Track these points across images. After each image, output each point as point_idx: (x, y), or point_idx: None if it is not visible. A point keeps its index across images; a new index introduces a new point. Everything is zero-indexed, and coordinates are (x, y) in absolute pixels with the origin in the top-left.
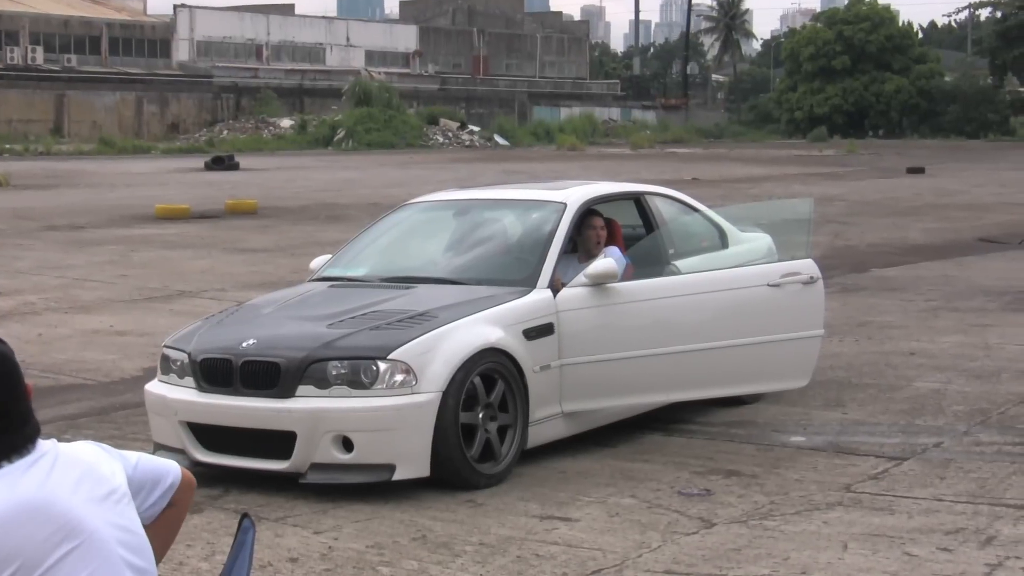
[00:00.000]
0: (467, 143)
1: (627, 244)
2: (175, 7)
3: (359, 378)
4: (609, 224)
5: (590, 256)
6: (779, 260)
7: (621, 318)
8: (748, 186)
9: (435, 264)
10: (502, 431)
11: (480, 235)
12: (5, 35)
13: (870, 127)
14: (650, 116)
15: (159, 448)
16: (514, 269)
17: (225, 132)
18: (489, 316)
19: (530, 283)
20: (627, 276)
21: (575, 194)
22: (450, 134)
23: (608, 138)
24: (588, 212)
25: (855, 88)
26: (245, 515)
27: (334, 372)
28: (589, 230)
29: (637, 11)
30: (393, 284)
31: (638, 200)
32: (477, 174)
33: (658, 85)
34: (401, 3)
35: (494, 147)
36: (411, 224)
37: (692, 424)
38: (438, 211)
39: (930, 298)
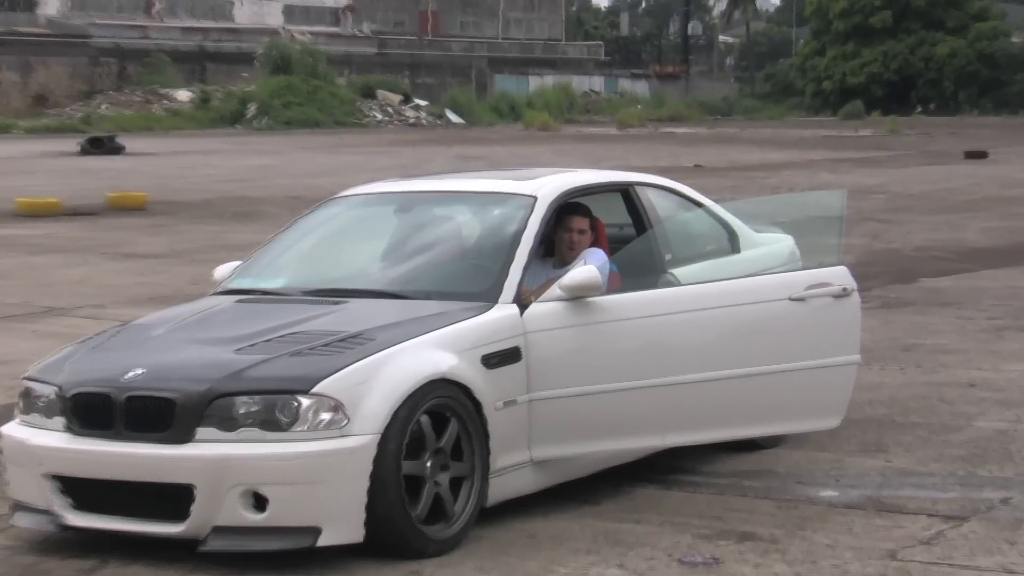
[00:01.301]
0: (412, 121)
1: (613, 248)
2: None
3: (275, 417)
4: (591, 224)
5: (566, 263)
6: (804, 267)
7: (605, 341)
8: (764, 175)
9: (371, 273)
10: (456, 484)
11: (428, 237)
12: None
13: (917, 100)
14: (641, 87)
15: (19, 508)
16: (471, 279)
17: (106, 107)
18: (439, 338)
19: (491, 297)
20: (613, 288)
21: (547, 185)
22: (390, 110)
23: (589, 115)
24: (564, 208)
25: (899, 52)
26: None
27: (243, 410)
28: (565, 231)
29: None
30: (318, 298)
31: (626, 193)
32: (424, 160)
33: (651, 49)
34: None
35: (446, 126)
36: (341, 223)
37: (695, 474)
38: (375, 207)
39: (994, 315)
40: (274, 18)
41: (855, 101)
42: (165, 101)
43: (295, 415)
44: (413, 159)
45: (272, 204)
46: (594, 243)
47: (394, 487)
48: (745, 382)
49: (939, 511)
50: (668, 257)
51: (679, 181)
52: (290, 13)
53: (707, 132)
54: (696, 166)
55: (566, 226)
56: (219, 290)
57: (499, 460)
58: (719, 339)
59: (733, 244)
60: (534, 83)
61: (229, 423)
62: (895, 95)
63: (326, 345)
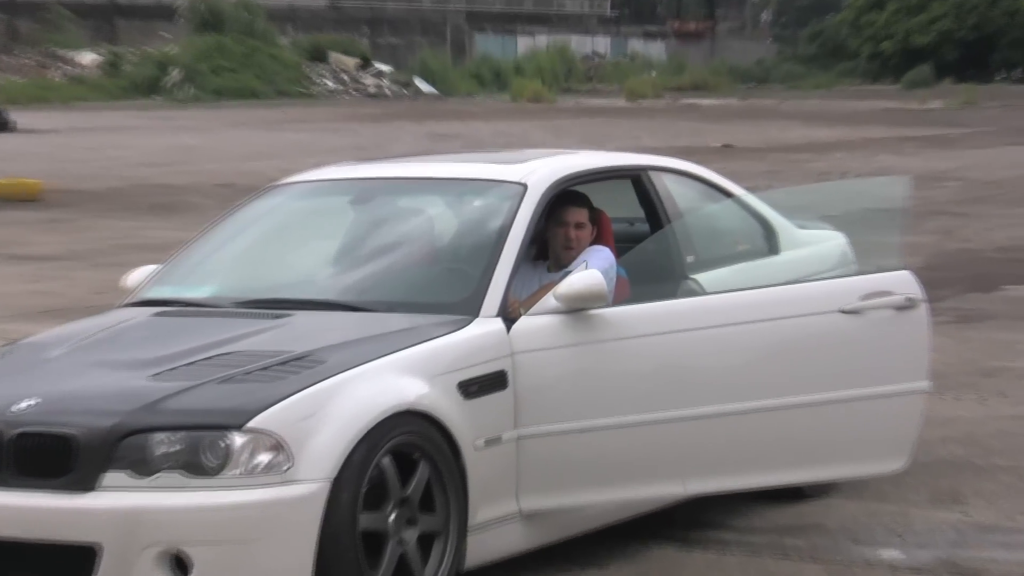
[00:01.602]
0: (372, 91)
1: (621, 247)
2: None
3: (200, 459)
4: (593, 217)
5: (563, 266)
6: (859, 272)
7: (612, 363)
8: (809, 158)
9: (321, 280)
10: (426, 542)
11: (391, 235)
12: None
13: (999, 65)
14: (657, 49)
15: None
16: (445, 287)
17: None
18: (405, 361)
19: (470, 309)
20: (621, 297)
21: (540, 170)
22: (345, 77)
23: (591, 84)
24: (561, 198)
25: (976, 4)
26: None
27: (161, 450)
28: (560, 225)
29: None
30: (255, 311)
31: (637, 180)
32: (388, 139)
33: (669, 1)
34: None
35: (414, 97)
36: (284, 218)
37: (725, 531)
38: (326, 197)
39: None
40: None
41: (921, 66)
42: (65, 66)
43: (225, 456)
44: (374, 138)
45: (198, 194)
46: (597, 241)
47: (349, 546)
48: (785, 415)
49: None
50: (690, 259)
51: (703, 165)
52: None
53: (738, 104)
54: (725, 147)
55: (561, 220)
56: (132, 301)
57: (480, 512)
58: (753, 361)
59: (770, 243)
60: (523, 44)
61: (143, 466)
62: (971, 58)
63: (265, 369)
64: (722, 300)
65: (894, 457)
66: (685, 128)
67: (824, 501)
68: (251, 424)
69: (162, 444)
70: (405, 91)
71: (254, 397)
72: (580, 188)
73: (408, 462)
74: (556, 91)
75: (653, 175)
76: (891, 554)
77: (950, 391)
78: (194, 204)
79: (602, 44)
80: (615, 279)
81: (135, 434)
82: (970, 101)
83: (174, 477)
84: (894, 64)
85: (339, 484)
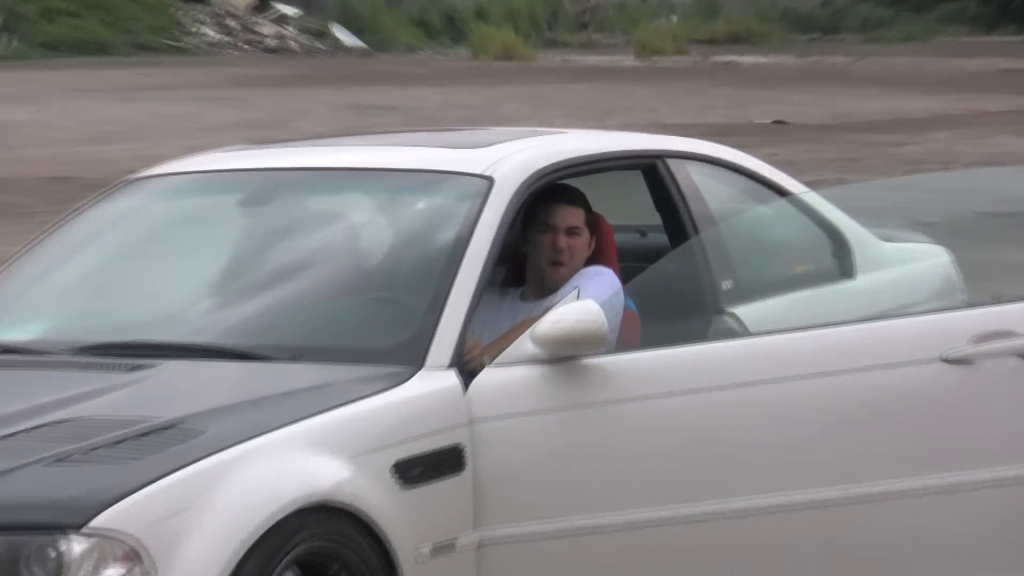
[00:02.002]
0: (272, 43)
1: (628, 270)
2: None
3: (21, 574)
4: (590, 223)
5: (547, 292)
6: (968, 304)
7: (615, 436)
8: (897, 140)
9: (198, 315)
10: None
11: (299, 251)
12: None
13: None
14: None
15: None
16: (375, 327)
17: None
18: (317, 432)
19: (411, 358)
20: (629, 341)
21: (512, 158)
22: (234, 24)
23: (587, 34)
24: (546, 194)
25: None
26: None
27: None
28: (548, 232)
29: None
30: (104, 360)
31: (652, 171)
32: (295, 113)
33: None
34: None
35: (332, 52)
36: (147, 226)
37: None
38: (207, 196)
39: None
40: None
41: None
42: None
43: (58, 570)
44: (274, 111)
45: (21, 191)
46: (594, 259)
47: None
48: (864, 511)
49: None
50: (726, 286)
51: (746, 151)
52: None
53: (795, 63)
54: (776, 123)
55: (548, 223)
56: None
57: None
58: (817, 433)
59: (842, 263)
60: None
61: None
62: None
63: (116, 444)
64: (773, 345)
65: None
66: (720, 97)
67: None
68: (95, 523)
69: None
70: (319, 44)
71: (100, 485)
72: (572, 183)
73: None
74: (535, 44)
75: (674, 165)
76: None
77: None
78: (16, 206)
79: None
80: (621, 313)
81: None
82: None
83: None
84: (1018, 5)
85: None
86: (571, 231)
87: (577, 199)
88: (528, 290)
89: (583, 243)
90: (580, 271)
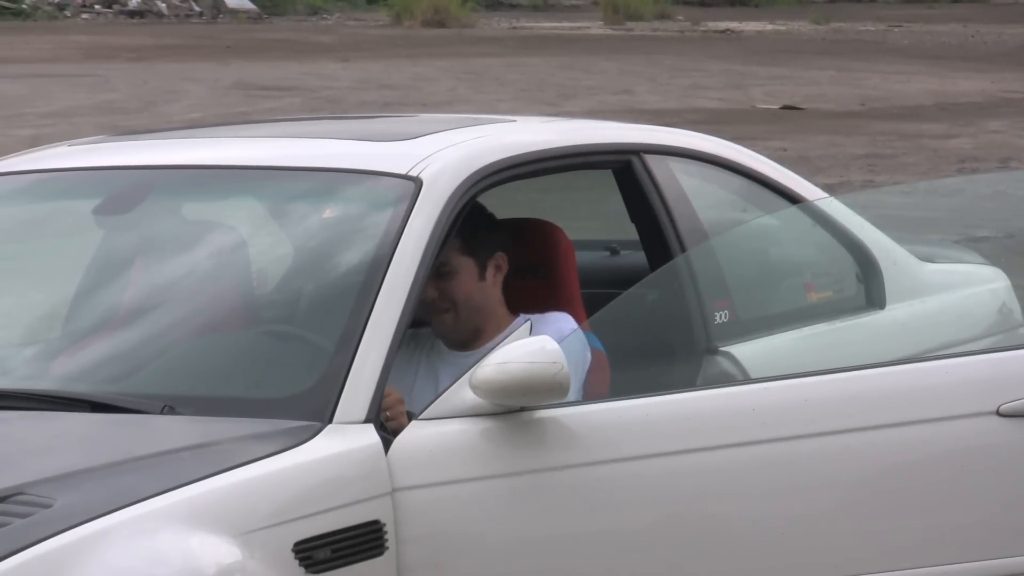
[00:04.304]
0: (135, 4)
1: (594, 298)
2: None
3: None
4: (543, 242)
5: (461, 342)
6: None
7: (579, 507)
8: (941, 130)
9: (44, 354)
10: None
11: (172, 271)
12: None
13: None
14: None
15: None
16: (270, 369)
17: None
18: (196, 504)
19: (316, 409)
20: (593, 383)
21: (445, 154)
22: None
23: None
24: (480, 211)
25: None
26: None
27: None
28: (488, 258)
29: None
30: None
31: (626, 170)
32: (165, 94)
33: None
34: None
35: (212, 16)
36: None
37: None
38: (53, 201)
39: None
40: None
41: None
42: None
43: None
44: (139, 91)
45: None
46: (553, 292)
47: None
48: None
49: None
50: (720, 318)
51: (746, 145)
52: None
53: (810, 31)
54: (785, 108)
55: (486, 246)
56: None
57: None
58: (838, 505)
59: (870, 288)
60: None
61: None
62: None
63: None
64: (780, 394)
65: None
66: (714, 75)
67: None
68: None
69: None
70: (195, 5)
71: None
72: (521, 186)
73: None
74: (475, 5)
75: (653, 162)
76: None
77: None
78: None
79: None
80: (588, 358)
81: None
82: None
83: None
84: None
85: None
86: (438, 271)
87: (523, 230)
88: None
89: (463, 282)
90: (540, 319)
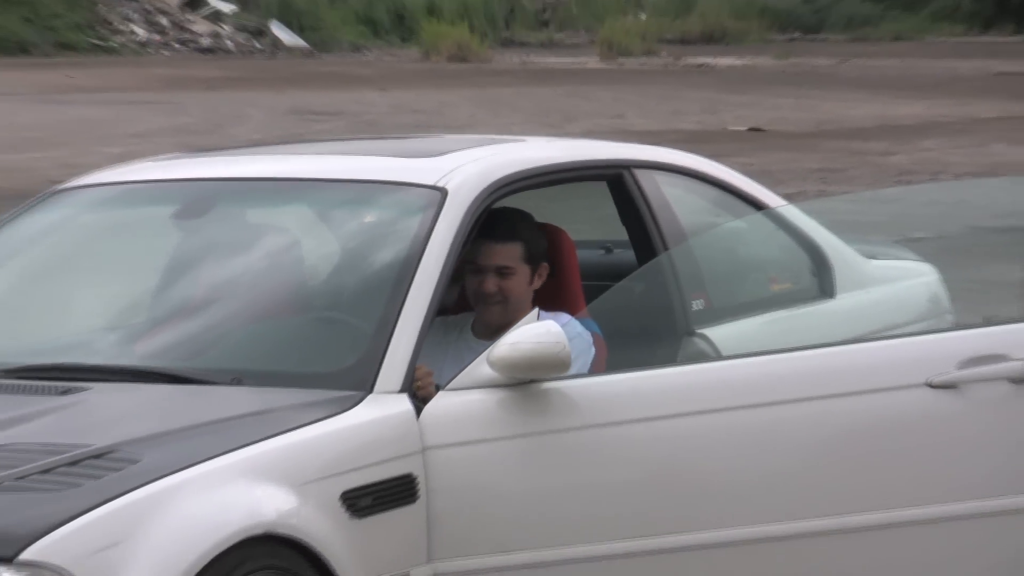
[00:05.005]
0: (206, 42)
1: (592, 289)
2: None
3: None
4: (532, 254)
5: (493, 331)
6: (957, 325)
7: (578, 464)
8: (884, 148)
9: (131, 336)
10: None
11: (238, 267)
12: None
13: None
14: None
15: None
16: (320, 348)
17: None
18: (259, 460)
19: (359, 381)
20: (596, 365)
21: (467, 167)
22: (165, 21)
23: (548, 32)
24: (498, 216)
25: None
26: None
27: None
28: (472, 274)
29: None
30: (31, 382)
31: (618, 182)
32: (231, 118)
33: None
34: None
35: (271, 52)
36: (73, 240)
37: None
38: (139, 208)
39: None
40: None
41: None
42: None
43: None
44: (209, 116)
45: None
46: (558, 288)
47: None
48: (843, 544)
49: None
50: (697, 305)
51: (719, 160)
52: None
53: (775, 65)
54: (752, 130)
55: (474, 262)
56: None
57: None
58: (794, 463)
59: (822, 281)
60: None
61: None
62: None
63: (46, 473)
64: (746, 369)
65: None
66: (692, 102)
67: None
68: (27, 555)
69: None
70: (256, 43)
71: (31, 515)
72: (531, 196)
73: None
74: (492, 43)
75: (641, 175)
76: None
77: None
78: None
79: None
80: (590, 341)
81: None
82: None
83: None
84: (1017, 2)
85: None
86: (502, 271)
87: (512, 233)
88: (478, 322)
89: (518, 282)
90: (545, 315)
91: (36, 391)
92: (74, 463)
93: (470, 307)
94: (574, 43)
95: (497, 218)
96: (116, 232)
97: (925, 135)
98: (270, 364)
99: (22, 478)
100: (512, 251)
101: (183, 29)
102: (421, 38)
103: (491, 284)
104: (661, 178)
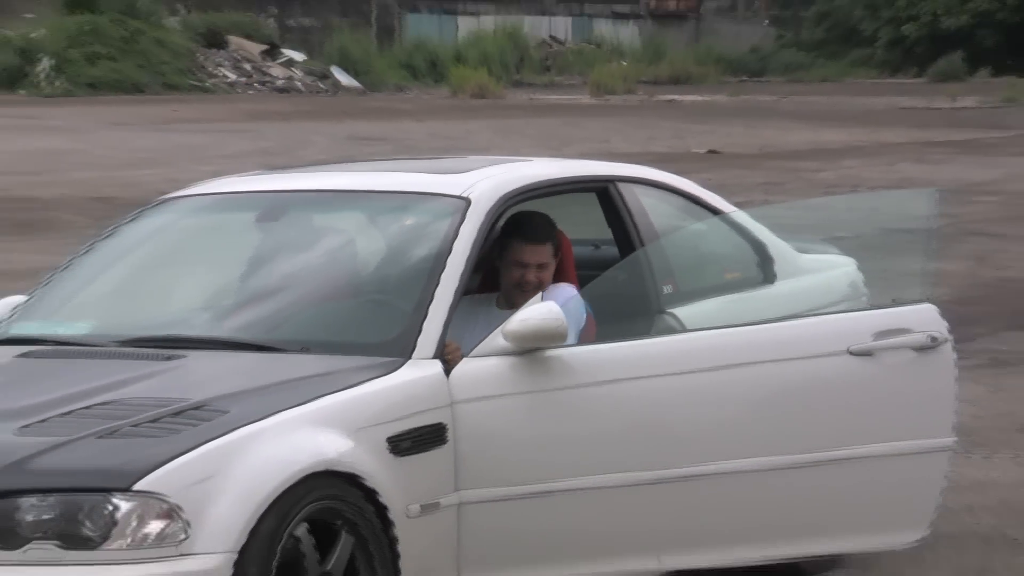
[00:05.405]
0: (281, 83)
1: (584, 277)
2: None
3: (79, 528)
4: (556, 249)
5: (514, 303)
6: (871, 306)
7: (573, 415)
8: (814, 167)
9: (221, 314)
10: None
11: (305, 260)
12: None
13: None
14: (629, 32)
15: None
16: (370, 323)
17: None
18: (322, 412)
19: (401, 349)
20: (587, 337)
21: (486, 181)
22: (249, 67)
23: (549, 75)
24: (523, 223)
25: None
26: None
27: (32, 517)
28: (516, 268)
29: None
30: (142, 351)
31: (604, 193)
32: (300, 143)
33: None
34: None
35: (332, 91)
36: (176, 238)
37: None
38: (226, 213)
39: None
40: None
41: (952, 54)
42: None
43: (109, 525)
44: (283, 141)
45: (70, 209)
46: (557, 268)
47: None
48: (780, 477)
49: None
50: (667, 290)
51: (685, 175)
52: None
53: (728, 101)
54: (710, 152)
55: (519, 260)
56: None
57: None
58: (742, 413)
59: (765, 271)
60: (465, 25)
61: (11, 537)
62: (1014, 45)
63: (155, 421)
64: (705, 339)
65: (911, 528)
66: (663, 130)
67: None
68: (139, 486)
69: (33, 510)
70: (321, 84)
71: (142, 454)
72: (536, 205)
73: (328, 531)
74: (505, 84)
75: (623, 188)
76: None
77: (980, 449)
78: (65, 222)
79: (562, 27)
80: (583, 317)
81: (1, 499)
82: (1011, 98)
83: (48, 549)
84: (919, 52)
85: (245, 558)
86: (540, 267)
87: (547, 236)
88: (502, 298)
89: (550, 273)
90: (551, 290)
91: (146, 357)
92: (176, 414)
93: (491, 288)
94: (570, 84)
95: (536, 223)
96: (209, 232)
97: (846, 156)
98: (331, 336)
99: (135, 425)
100: (547, 250)
101: (263, 73)
102: (450, 80)
103: (532, 276)
104: (639, 190)
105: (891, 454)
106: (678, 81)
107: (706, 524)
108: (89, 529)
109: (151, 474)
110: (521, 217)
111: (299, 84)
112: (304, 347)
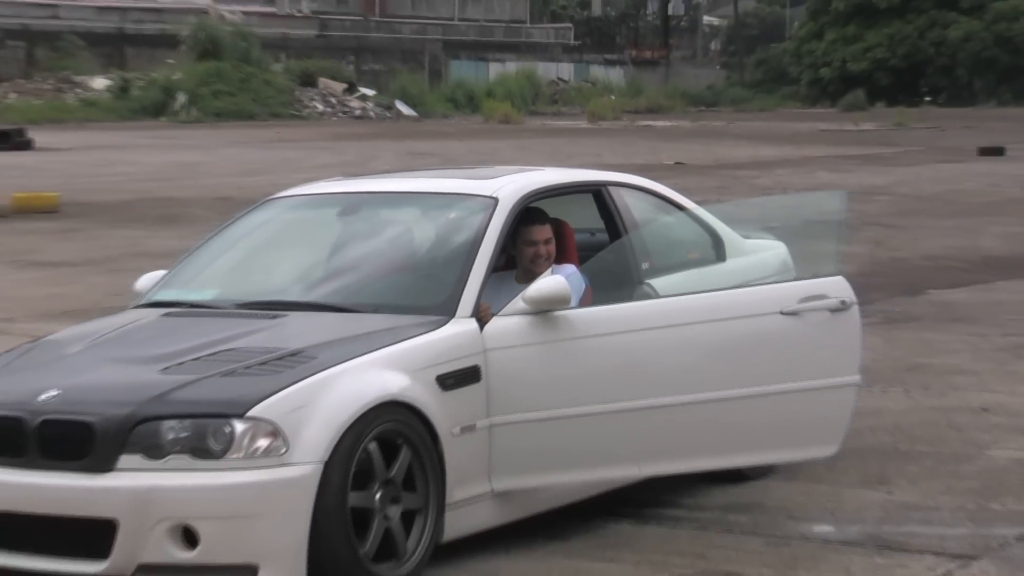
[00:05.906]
0: (357, 113)
1: (582, 257)
2: None
3: (206, 444)
4: (558, 229)
5: (530, 276)
6: (797, 278)
7: (575, 359)
8: (754, 174)
9: (312, 284)
10: (408, 518)
11: (375, 243)
12: None
13: (927, 90)
14: (616, 75)
15: None
16: (423, 291)
17: (12, 95)
18: (388, 357)
19: (446, 310)
20: (585, 302)
21: (509, 185)
22: (333, 100)
23: (557, 106)
24: (528, 213)
25: (907, 35)
26: None
27: (171, 436)
28: (530, 247)
29: None
30: (253, 312)
31: (598, 194)
32: (371, 157)
33: (627, 31)
34: None
35: (395, 118)
36: (278, 228)
37: (675, 508)
38: (316, 209)
39: (1010, 332)
40: None
41: (857, 91)
42: (79, 90)
43: (229, 441)
44: (358, 156)
45: (199, 206)
46: (561, 253)
47: (340, 521)
48: (730, 406)
49: (947, 549)
50: (645, 266)
51: (658, 181)
52: None
53: (690, 125)
54: (677, 164)
55: (531, 240)
56: (142, 303)
57: (456, 492)
58: (702, 358)
59: (718, 252)
60: (494, 70)
61: (155, 450)
62: (902, 84)
63: (262, 364)
64: (674, 303)
65: (828, 443)
66: (642, 147)
67: (764, 483)
68: (251, 413)
69: (172, 431)
70: (387, 113)
71: (253, 389)
72: (546, 201)
73: (392, 447)
74: (524, 112)
75: (613, 190)
76: (824, 529)
77: (878, 385)
78: (196, 215)
79: (566, 70)
80: (583, 287)
81: (147, 422)
82: (901, 123)
83: (183, 460)
84: (832, 89)
85: (330, 466)
86: (547, 242)
87: (546, 219)
88: (518, 274)
89: (554, 247)
90: (558, 267)
91: (256, 317)
92: (279, 359)
93: (513, 267)
94: (572, 113)
95: (536, 214)
96: (303, 223)
97: (778, 167)
98: (395, 300)
99: (248, 367)
100: (548, 229)
101: (344, 105)
102: (483, 110)
103: (543, 250)
104: (624, 192)
105: (812, 389)
106: (653, 111)
107: (674, 441)
108: (214, 444)
109: (260, 404)
110: (526, 211)
111: (371, 113)
112: (374, 309)
